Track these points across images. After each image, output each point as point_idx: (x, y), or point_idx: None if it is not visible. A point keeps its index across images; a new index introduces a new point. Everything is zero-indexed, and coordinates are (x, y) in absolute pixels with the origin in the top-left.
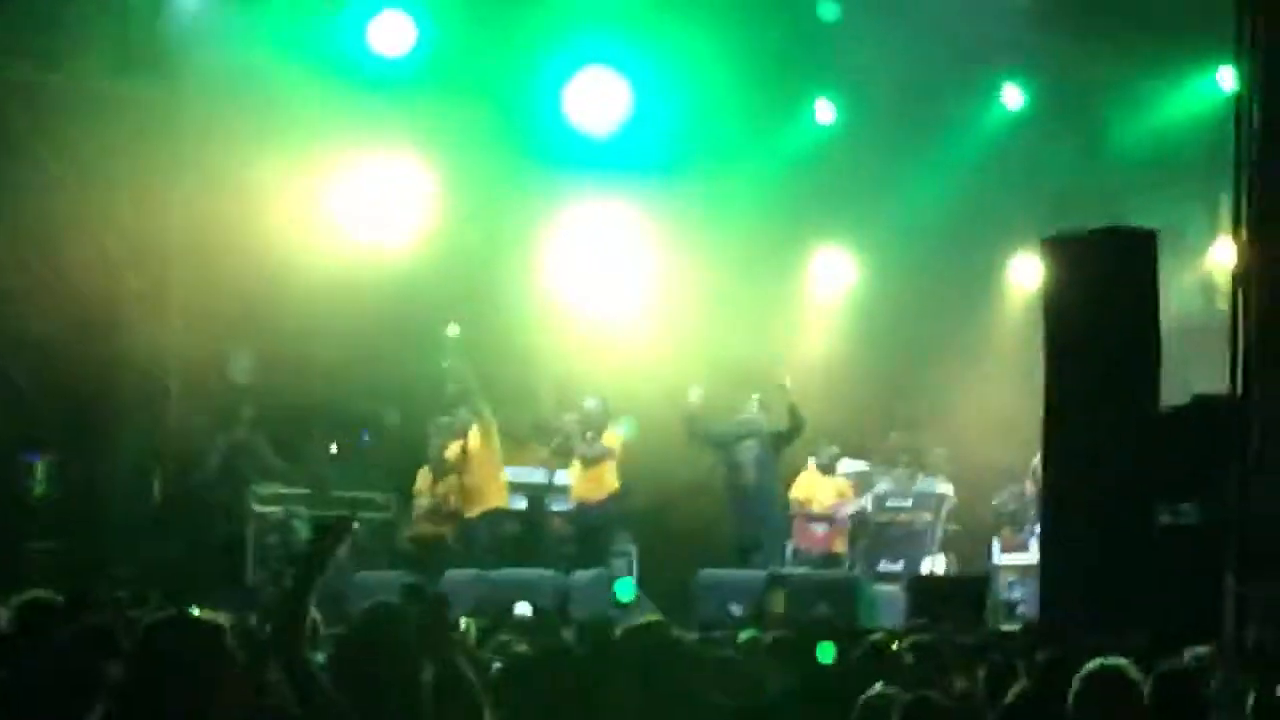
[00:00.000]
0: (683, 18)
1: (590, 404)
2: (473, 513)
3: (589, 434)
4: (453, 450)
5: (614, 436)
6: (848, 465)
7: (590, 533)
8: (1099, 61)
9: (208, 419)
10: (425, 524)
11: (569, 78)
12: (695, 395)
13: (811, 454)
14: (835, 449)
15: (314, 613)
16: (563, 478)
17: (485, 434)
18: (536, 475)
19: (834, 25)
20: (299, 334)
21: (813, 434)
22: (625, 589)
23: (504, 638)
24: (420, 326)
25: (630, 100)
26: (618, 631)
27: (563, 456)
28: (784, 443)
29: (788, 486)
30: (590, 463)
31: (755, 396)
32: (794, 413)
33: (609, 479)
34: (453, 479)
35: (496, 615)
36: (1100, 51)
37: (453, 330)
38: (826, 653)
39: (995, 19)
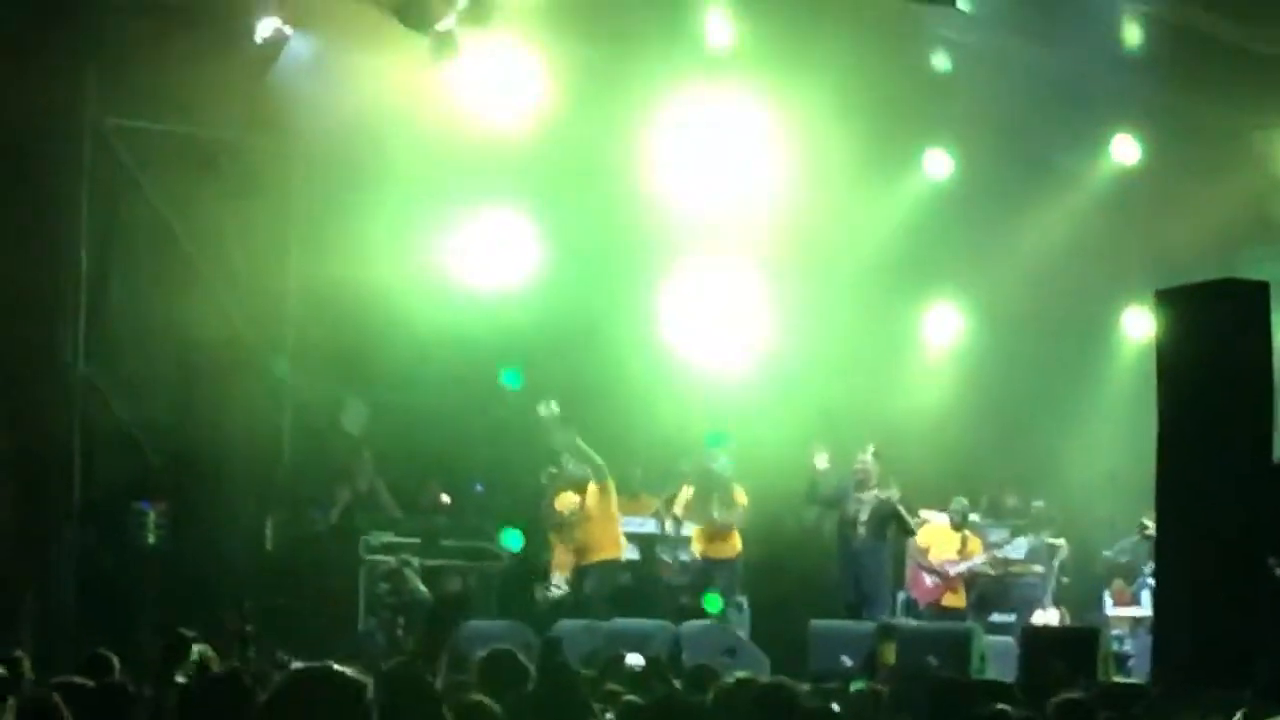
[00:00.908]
0: (794, 70)
1: (718, 463)
2: (587, 562)
3: (718, 494)
4: (567, 501)
5: (742, 495)
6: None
7: (707, 584)
8: (1211, 112)
9: (324, 469)
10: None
11: (681, 130)
12: (822, 461)
13: (942, 507)
14: (965, 502)
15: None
16: (673, 527)
17: (602, 488)
18: (648, 526)
19: (946, 77)
20: (411, 383)
21: (936, 487)
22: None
23: (613, 687)
24: (531, 377)
25: (741, 154)
26: (729, 681)
27: (671, 505)
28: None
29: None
30: (724, 527)
31: (870, 448)
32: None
33: (737, 541)
34: (570, 531)
35: (606, 665)
36: (1212, 102)
37: (547, 410)
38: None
39: (1107, 70)
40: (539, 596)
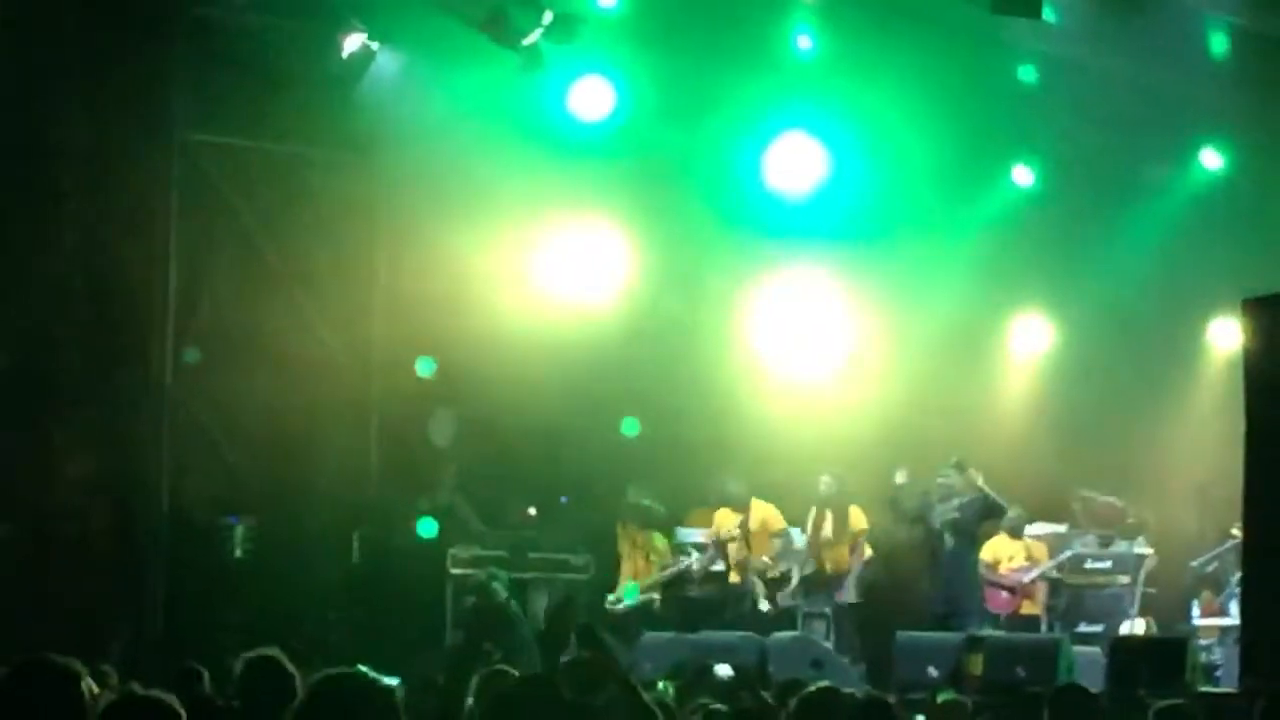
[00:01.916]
0: (881, 82)
1: (825, 484)
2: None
3: (827, 511)
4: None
5: (860, 516)
6: (1043, 528)
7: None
8: None
9: (407, 481)
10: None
11: (768, 143)
12: (901, 477)
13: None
14: (1021, 511)
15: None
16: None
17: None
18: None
19: (1032, 89)
20: (497, 396)
21: (1026, 498)
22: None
23: (702, 700)
24: (621, 389)
25: (829, 165)
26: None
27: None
28: (983, 515)
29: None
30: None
31: (953, 460)
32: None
33: (847, 558)
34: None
35: (694, 676)
36: None
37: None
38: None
39: (1193, 81)
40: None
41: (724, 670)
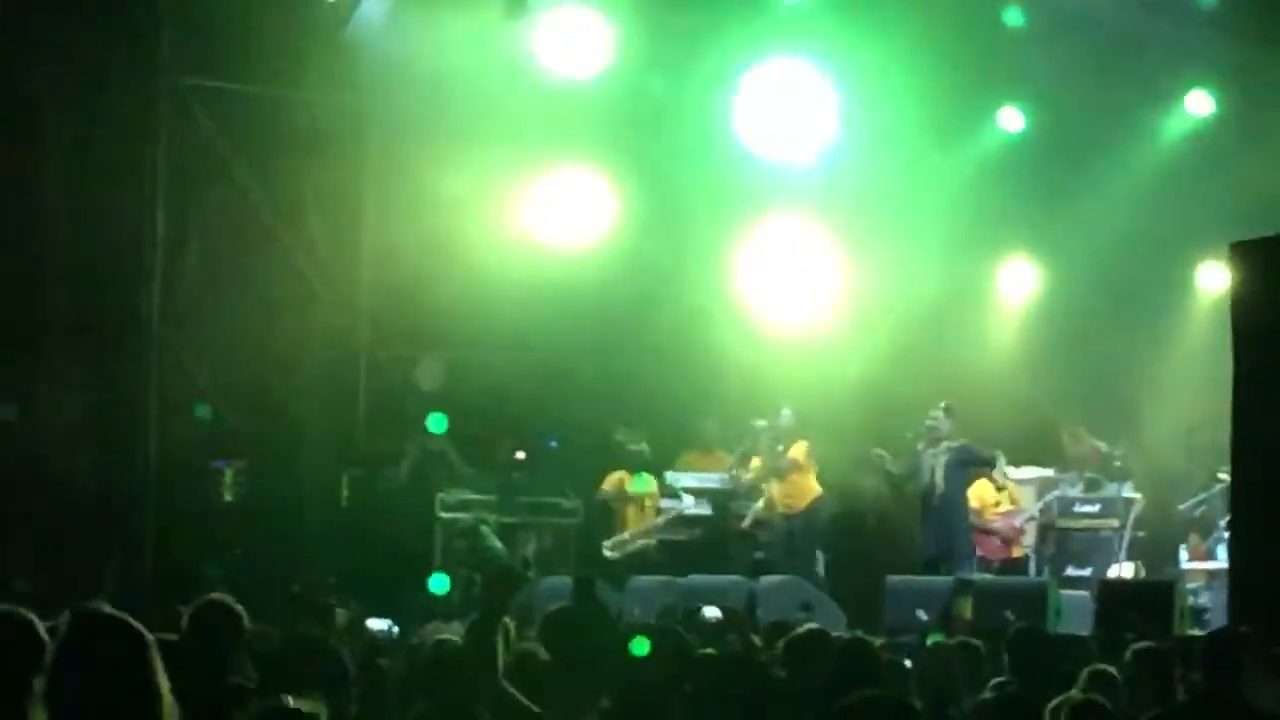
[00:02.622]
0: (867, 27)
1: (783, 415)
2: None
3: (779, 446)
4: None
5: (801, 448)
6: (1030, 471)
7: (793, 541)
8: None
9: (396, 426)
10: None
11: (754, 87)
12: (890, 464)
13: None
14: (1000, 454)
15: (509, 624)
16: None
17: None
18: (720, 481)
19: (1020, 33)
20: (486, 341)
21: (990, 440)
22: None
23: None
24: (608, 335)
25: (818, 109)
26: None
27: (745, 462)
28: (970, 463)
29: None
30: (782, 474)
31: (942, 404)
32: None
33: (804, 488)
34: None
35: (682, 618)
36: None
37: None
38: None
39: (1181, 24)
40: (606, 555)
41: (712, 613)
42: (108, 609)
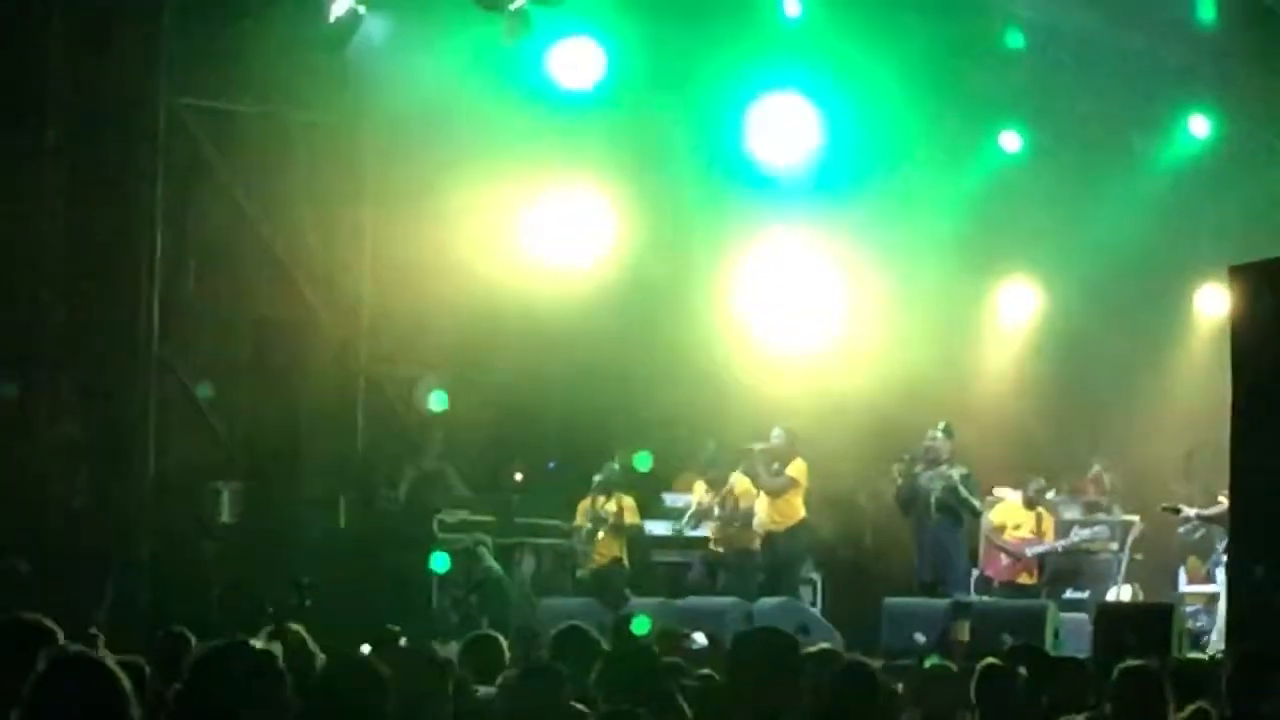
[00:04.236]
0: (868, 47)
1: (775, 435)
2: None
3: (774, 465)
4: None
5: (800, 467)
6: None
7: (777, 561)
8: None
9: (395, 446)
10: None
11: (754, 106)
12: (896, 470)
13: (1017, 485)
14: (1042, 481)
15: (502, 641)
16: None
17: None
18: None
19: (1019, 54)
20: (485, 361)
21: (1009, 463)
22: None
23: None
24: (607, 355)
25: (818, 129)
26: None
27: (716, 487)
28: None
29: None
30: (775, 493)
31: (941, 425)
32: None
33: (795, 507)
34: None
35: (664, 641)
36: None
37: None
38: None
39: (1180, 47)
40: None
41: (699, 639)
42: (87, 652)
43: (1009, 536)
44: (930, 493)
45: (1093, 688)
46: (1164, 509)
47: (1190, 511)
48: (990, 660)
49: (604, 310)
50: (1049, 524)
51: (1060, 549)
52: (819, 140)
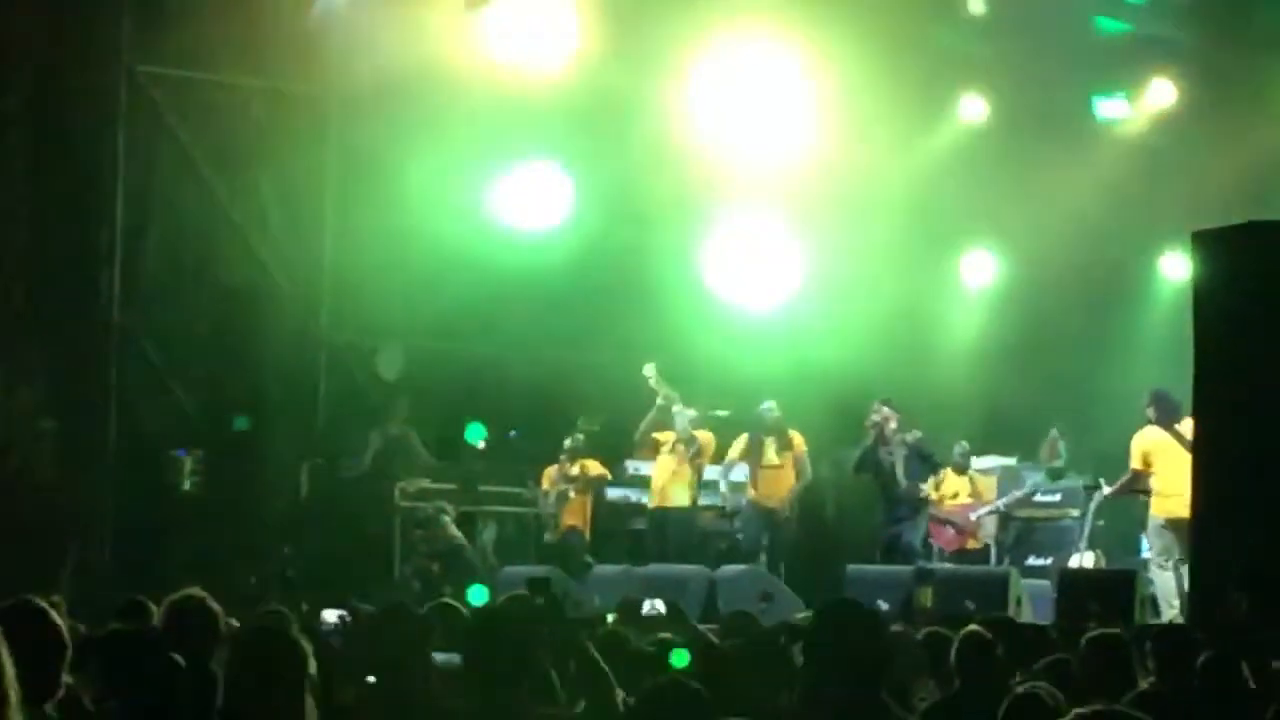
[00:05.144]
0: (828, 16)
1: (767, 408)
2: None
3: (769, 439)
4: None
5: (799, 439)
6: (992, 461)
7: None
8: (1248, 54)
9: (358, 414)
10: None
11: (715, 71)
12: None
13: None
14: (965, 445)
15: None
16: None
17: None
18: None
19: (982, 22)
20: (448, 330)
21: (953, 429)
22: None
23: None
24: (571, 324)
25: (776, 99)
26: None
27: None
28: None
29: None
30: (775, 468)
31: (879, 401)
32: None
33: (790, 478)
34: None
35: (620, 610)
36: (1250, 43)
37: (649, 370)
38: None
39: (1143, 15)
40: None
41: (657, 605)
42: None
43: (949, 506)
44: (894, 464)
45: (1057, 654)
46: (1085, 488)
47: (1106, 490)
48: (973, 628)
49: (568, 279)
50: (984, 484)
51: (1002, 507)
52: (780, 107)
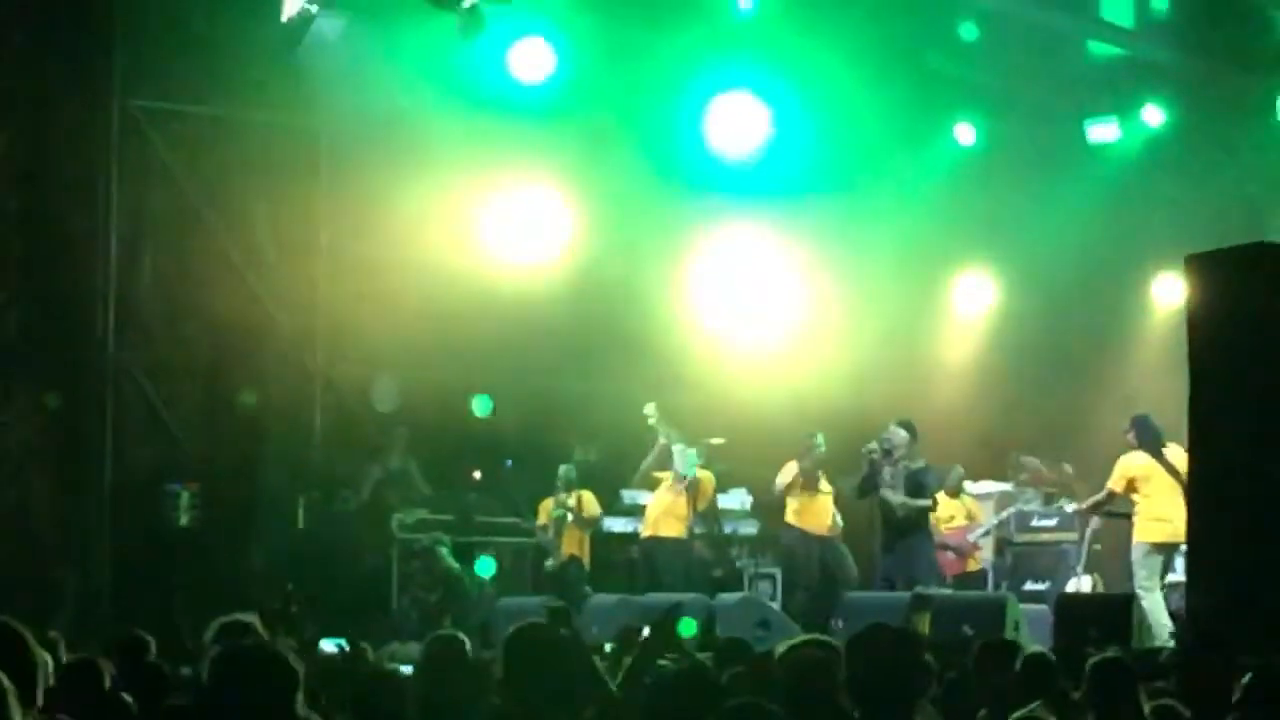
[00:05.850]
0: (822, 39)
1: (819, 442)
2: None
3: (820, 471)
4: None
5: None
6: (988, 486)
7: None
8: (1241, 77)
9: (357, 446)
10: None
11: (709, 101)
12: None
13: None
14: (960, 469)
15: (464, 640)
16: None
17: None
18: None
19: (973, 46)
20: (443, 361)
21: (947, 455)
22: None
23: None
24: (565, 353)
25: (771, 123)
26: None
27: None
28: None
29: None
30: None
31: (898, 421)
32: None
33: (832, 512)
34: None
35: (619, 637)
36: (1242, 67)
37: (650, 409)
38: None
39: (1134, 39)
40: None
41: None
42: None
43: (946, 530)
44: (894, 489)
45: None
46: (1078, 512)
47: (1069, 508)
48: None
49: (562, 307)
50: (977, 508)
51: (996, 524)
52: (774, 134)
